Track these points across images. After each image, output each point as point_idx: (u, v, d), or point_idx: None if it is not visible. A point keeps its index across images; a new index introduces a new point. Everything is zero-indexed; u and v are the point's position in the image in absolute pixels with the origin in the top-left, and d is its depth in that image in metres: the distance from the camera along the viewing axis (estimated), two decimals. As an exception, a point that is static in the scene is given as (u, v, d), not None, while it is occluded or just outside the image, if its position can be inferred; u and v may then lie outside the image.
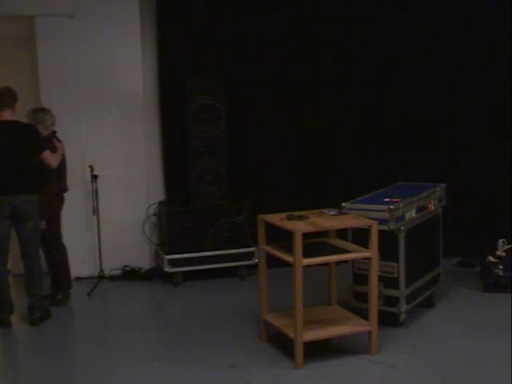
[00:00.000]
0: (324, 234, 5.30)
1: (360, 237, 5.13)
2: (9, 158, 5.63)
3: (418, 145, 7.55)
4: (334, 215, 5.18)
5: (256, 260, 6.56)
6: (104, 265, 6.95)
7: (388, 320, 5.38)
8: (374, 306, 4.95)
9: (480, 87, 7.46)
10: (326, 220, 5.07)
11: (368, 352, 4.97)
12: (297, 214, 5.14)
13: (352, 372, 4.76)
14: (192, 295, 6.60)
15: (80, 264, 6.93)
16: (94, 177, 6.81)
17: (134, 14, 7.01)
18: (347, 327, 5.07)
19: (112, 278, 7.05)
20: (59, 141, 6.22)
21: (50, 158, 5.87)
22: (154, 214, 7.26)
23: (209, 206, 6.97)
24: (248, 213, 6.88)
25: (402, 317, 5.45)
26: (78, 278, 6.93)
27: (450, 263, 7.08)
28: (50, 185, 6.10)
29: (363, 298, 5.24)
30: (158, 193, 7.32)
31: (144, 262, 7.27)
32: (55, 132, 6.23)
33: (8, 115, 5.69)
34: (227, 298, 6.45)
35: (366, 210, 5.31)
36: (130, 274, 7.13)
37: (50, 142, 6.03)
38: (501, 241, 6.46)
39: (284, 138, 7.37)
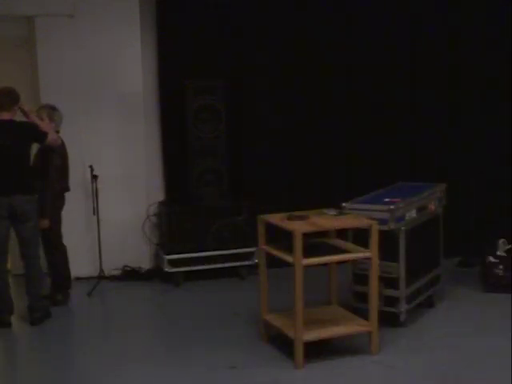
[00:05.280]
0: (324, 234, 5.30)
1: (360, 237, 5.13)
2: (7, 157, 5.62)
3: (418, 145, 7.55)
4: (334, 215, 5.18)
5: (256, 260, 6.55)
6: (104, 265, 6.95)
7: (388, 320, 5.38)
8: (374, 306, 4.94)
9: (480, 87, 7.47)
10: (326, 220, 5.07)
11: (368, 352, 4.97)
12: (297, 214, 5.14)
13: (352, 372, 4.76)
14: (192, 295, 6.60)
15: (80, 264, 6.92)
16: (94, 177, 6.81)
17: (134, 14, 7.01)
18: (347, 327, 5.07)
19: (112, 278, 7.04)
20: (62, 141, 6.25)
21: (54, 138, 5.83)
22: (154, 214, 7.26)
23: (209, 206, 6.96)
24: (248, 213, 6.88)
25: (403, 317, 5.45)
26: (78, 278, 6.93)
27: (450, 263, 7.07)
28: (55, 184, 6.10)
29: (363, 298, 5.23)
30: (158, 193, 7.31)
31: (144, 261, 7.27)
32: (57, 132, 6.25)
33: (5, 115, 5.68)
34: (227, 298, 6.45)
35: (366, 210, 5.31)
36: (129, 274, 7.13)
37: None
38: (501, 241, 6.46)
39: (284, 138, 7.37)
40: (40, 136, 5.76)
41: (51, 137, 5.80)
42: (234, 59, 7.20)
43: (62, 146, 6.25)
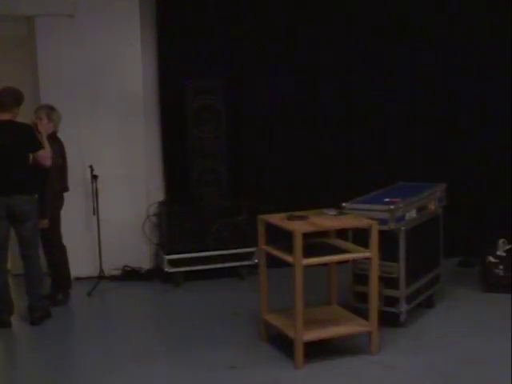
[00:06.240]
0: (324, 234, 5.30)
1: (360, 237, 5.13)
2: (6, 158, 5.62)
3: (418, 145, 7.55)
4: (334, 215, 5.18)
5: (256, 260, 6.56)
6: (104, 265, 6.95)
7: (388, 320, 5.38)
8: (374, 305, 4.94)
9: (480, 87, 7.47)
10: (326, 220, 5.07)
11: (368, 352, 4.97)
12: (297, 214, 5.14)
13: (352, 372, 4.75)
14: (192, 295, 6.60)
15: (80, 264, 6.92)
16: (94, 177, 6.81)
17: (133, 14, 7.01)
18: (347, 327, 5.07)
19: (112, 278, 7.04)
20: (60, 141, 6.25)
21: (45, 157, 5.80)
22: (154, 214, 7.26)
23: (209, 206, 6.96)
24: (248, 213, 6.88)
25: (403, 317, 5.45)
26: (78, 278, 6.93)
27: (450, 263, 7.07)
28: (54, 184, 6.10)
29: (363, 298, 5.23)
30: (157, 193, 7.32)
31: (144, 261, 7.27)
32: (56, 132, 6.25)
33: (6, 116, 5.67)
34: (227, 298, 6.45)
35: (366, 210, 5.30)
36: (129, 274, 7.13)
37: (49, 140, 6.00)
38: (501, 241, 6.45)
39: (284, 138, 7.37)
40: (34, 145, 5.72)
41: (43, 153, 5.75)
42: (234, 59, 7.20)
43: (61, 146, 6.25)
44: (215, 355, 5.07)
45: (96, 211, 6.84)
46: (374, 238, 4.88)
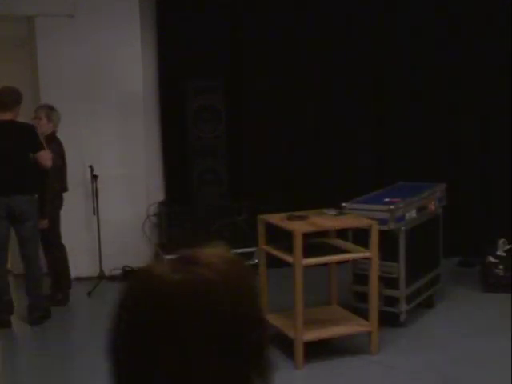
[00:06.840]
0: (324, 233, 5.30)
1: (360, 237, 5.13)
2: (7, 157, 5.62)
3: (418, 144, 7.55)
4: (334, 215, 5.18)
5: (256, 260, 6.54)
6: (104, 265, 6.94)
7: (388, 320, 5.38)
8: (374, 305, 4.94)
9: (481, 87, 7.47)
10: (326, 220, 5.07)
11: (368, 352, 4.97)
12: (297, 214, 5.14)
13: (352, 372, 4.75)
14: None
15: (80, 264, 6.92)
16: (94, 177, 6.80)
17: (133, 14, 7.01)
18: (347, 327, 5.07)
19: (112, 278, 7.03)
20: (59, 141, 6.25)
21: (46, 157, 5.81)
22: (154, 214, 7.26)
23: (209, 205, 6.96)
24: (248, 213, 6.87)
25: (403, 317, 5.45)
26: (77, 278, 6.92)
27: (450, 263, 7.07)
28: (54, 184, 6.10)
29: (363, 298, 5.23)
30: (158, 193, 7.32)
31: (144, 262, 7.23)
32: (55, 132, 6.25)
33: (8, 115, 5.68)
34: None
35: (366, 210, 5.31)
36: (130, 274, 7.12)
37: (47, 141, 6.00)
38: (501, 241, 6.45)
39: (284, 138, 7.37)
40: (35, 145, 5.70)
41: (44, 154, 5.73)
42: (234, 59, 7.20)
43: (61, 147, 6.25)
44: (215, 355, 5.06)
45: (96, 211, 6.83)
46: (374, 238, 4.88)
